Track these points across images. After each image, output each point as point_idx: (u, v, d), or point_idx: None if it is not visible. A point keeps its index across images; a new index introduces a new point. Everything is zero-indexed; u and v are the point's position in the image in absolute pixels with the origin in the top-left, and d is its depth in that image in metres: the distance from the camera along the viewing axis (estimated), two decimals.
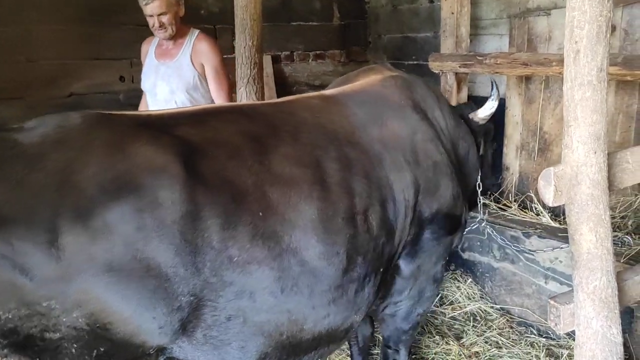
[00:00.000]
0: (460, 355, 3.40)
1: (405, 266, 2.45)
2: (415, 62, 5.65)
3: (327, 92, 2.57)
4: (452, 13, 4.20)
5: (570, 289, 1.97)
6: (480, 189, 3.05)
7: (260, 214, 1.79)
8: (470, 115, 3.01)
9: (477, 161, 3.00)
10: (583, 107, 1.76)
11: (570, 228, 1.87)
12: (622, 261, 3.09)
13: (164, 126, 1.83)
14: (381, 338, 2.89)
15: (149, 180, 1.63)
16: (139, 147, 1.68)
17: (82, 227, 1.51)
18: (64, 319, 1.52)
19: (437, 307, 3.93)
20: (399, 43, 5.85)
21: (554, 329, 1.95)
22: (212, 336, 1.78)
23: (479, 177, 3.03)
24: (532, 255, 3.65)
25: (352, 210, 2.02)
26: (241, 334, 1.83)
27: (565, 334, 3.45)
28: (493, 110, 3.00)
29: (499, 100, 3.02)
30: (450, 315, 3.85)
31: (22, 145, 1.60)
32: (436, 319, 3.89)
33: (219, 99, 3.64)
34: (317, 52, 6.00)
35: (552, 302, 1.95)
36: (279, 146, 1.96)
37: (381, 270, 2.20)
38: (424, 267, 2.52)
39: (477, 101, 4.01)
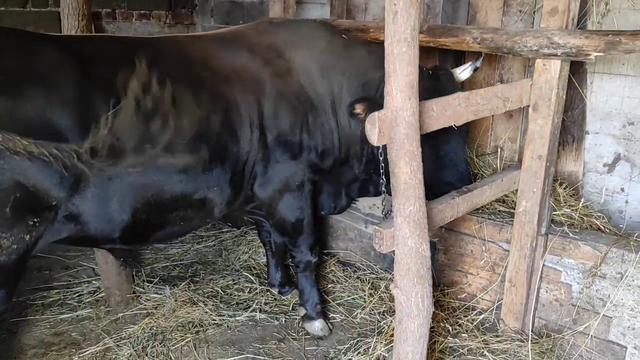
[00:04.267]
0: None
1: (260, 182, 3.07)
2: None
3: (195, 33, 3.37)
4: None
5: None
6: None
7: (131, 101, 2.52)
8: (453, 71, 3.39)
9: None
10: (400, 61, 2.10)
11: (390, 164, 2.22)
12: None
13: (60, 40, 2.63)
14: None
15: (50, 71, 2.38)
16: (43, 48, 2.45)
17: (5, 96, 2.22)
18: None
19: None
20: (226, 7, 5.91)
21: (378, 250, 2.30)
22: (98, 193, 2.47)
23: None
24: (354, 203, 4.09)
25: (197, 110, 2.72)
26: (119, 191, 2.52)
27: (382, 269, 3.97)
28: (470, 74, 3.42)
29: None
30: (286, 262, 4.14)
31: None
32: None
33: None
34: (142, 11, 5.80)
35: (376, 227, 2.29)
36: (145, 61, 2.65)
37: (227, 165, 2.85)
38: (280, 186, 3.09)
39: None
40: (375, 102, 2.84)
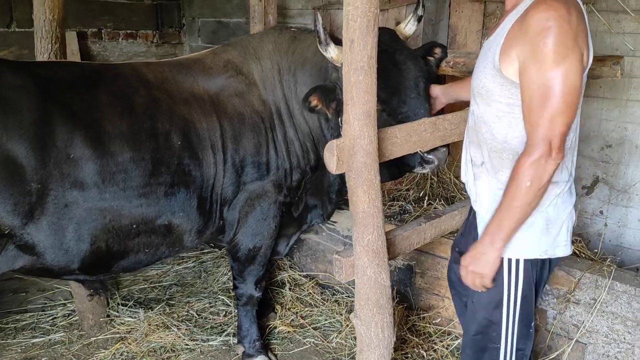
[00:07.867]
0: (282, 314, 3.80)
1: (227, 208, 2.96)
2: None
3: (153, 60, 3.16)
4: (260, 0, 4.41)
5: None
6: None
7: (89, 125, 2.49)
8: (397, 29, 2.94)
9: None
10: (357, 89, 2.08)
11: (349, 192, 2.19)
12: None
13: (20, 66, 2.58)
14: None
15: (12, 94, 2.36)
16: (4, 73, 2.43)
17: None
18: None
19: None
20: (212, 27, 5.94)
21: (338, 279, 2.27)
22: (53, 222, 2.41)
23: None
24: (333, 225, 4.07)
25: (155, 130, 2.66)
26: (75, 218, 2.46)
27: None
28: (415, 26, 2.94)
29: None
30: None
31: None
32: None
33: None
34: (128, 31, 5.82)
35: (336, 256, 2.26)
36: (101, 85, 2.66)
37: (192, 188, 2.77)
38: (245, 208, 2.98)
39: None
40: (325, 88, 2.71)
